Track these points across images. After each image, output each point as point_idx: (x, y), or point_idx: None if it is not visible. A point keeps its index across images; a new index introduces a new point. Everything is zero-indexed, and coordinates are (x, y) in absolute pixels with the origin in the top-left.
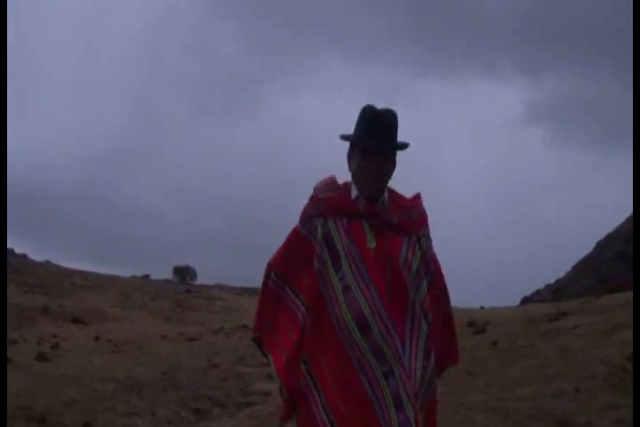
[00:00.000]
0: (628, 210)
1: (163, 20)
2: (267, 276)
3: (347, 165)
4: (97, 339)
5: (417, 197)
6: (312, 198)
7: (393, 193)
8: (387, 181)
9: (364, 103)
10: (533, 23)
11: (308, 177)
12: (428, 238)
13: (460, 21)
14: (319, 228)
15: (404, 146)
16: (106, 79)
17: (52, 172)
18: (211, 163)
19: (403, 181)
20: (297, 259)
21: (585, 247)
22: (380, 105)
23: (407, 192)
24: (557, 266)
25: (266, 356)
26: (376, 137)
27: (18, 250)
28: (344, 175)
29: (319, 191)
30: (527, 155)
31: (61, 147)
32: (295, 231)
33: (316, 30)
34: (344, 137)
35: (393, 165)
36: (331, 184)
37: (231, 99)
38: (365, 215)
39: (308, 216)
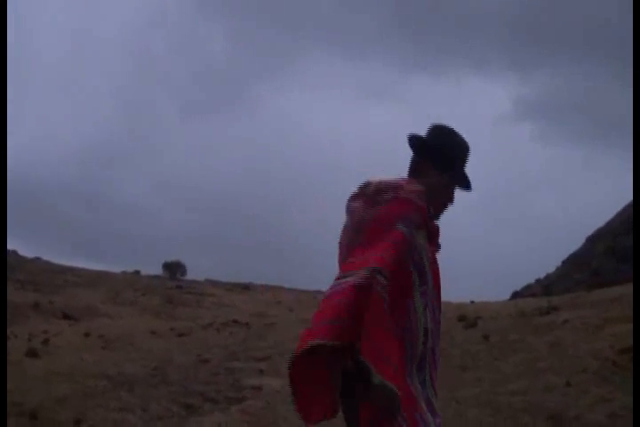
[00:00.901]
0: (617, 205)
1: (152, 19)
2: (371, 277)
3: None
4: (87, 335)
5: None
6: (411, 203)
7: None
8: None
9: (353, 100)
10: (523, 20)
11: (298, 174)
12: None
13: (449, 18)
14: (417, 237)
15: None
16: (97, 77)
17: (42, 168)
18: (201, 160)
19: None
20: (404, 264)
21: (575, 242)
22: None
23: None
24: (548, 261)
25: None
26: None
27: (8, 246)
28: (339, 172)
29: (414, 197)
30: (516, 151)
31: (52, 143)
32: (402, 235)
33: (305, 28)
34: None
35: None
36: (420, 192)
37: (221, 97)
38: (435, 235)
39: (410, 222)
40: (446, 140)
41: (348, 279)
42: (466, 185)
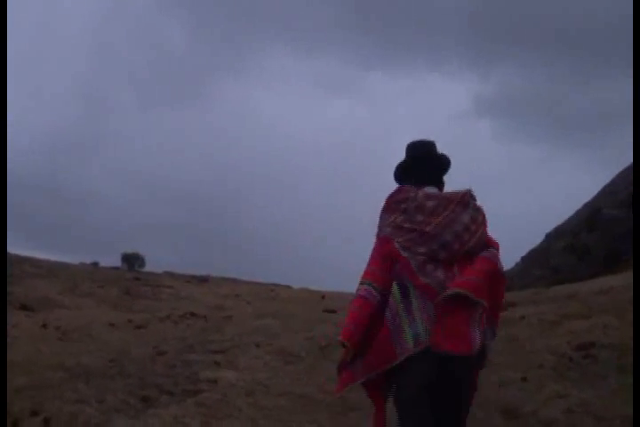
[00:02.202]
0: (576, 202)
1: (111, 11)
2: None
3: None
4: (45, 326)
5: None
6: None
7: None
8: None
9: (311, 95)
10: (482, 17)
11: (255, 165)
12: None
13: (407, 14)
14: None
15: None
16: (56, 68)
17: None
18: (160, 151)
19: (353, 175)
20: None
21: (534, 239)
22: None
23: (359, 186)
24: (507, 257)
25: None
26: None
27: None
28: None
29: None
30: (475, 148)
31: (12, 135)
32: None
33: (263, 22)
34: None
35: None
36: None
37: (180, 88)
38: None
39: None
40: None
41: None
42: None
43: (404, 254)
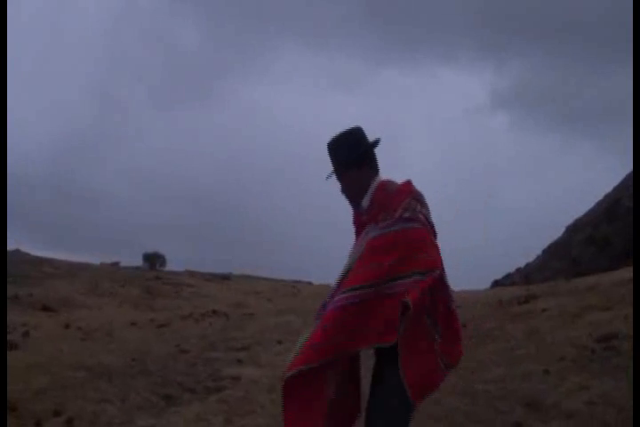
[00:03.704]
0: (596, 194)
1: (124, 12)
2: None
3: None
4: (67, 327)
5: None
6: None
7: (377, 193)
8: (353, 197)
9: (324, 92)
10: (494, 9)
11: (270, 163)
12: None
13: (419, 8)
14: None
15: (335, 171)
16: (69, 69)
17: (20, 161)
18: (177, 150)
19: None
20: None
21: (555, 232)
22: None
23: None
24: (528, 250)
25: None
26: None
27: None
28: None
29: None
30: (493, 140)
31: (28, 136)
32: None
33: (275, 20)
34: None
35: (348, 181)
36: None
37: (192, 87)
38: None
39: None
40: None
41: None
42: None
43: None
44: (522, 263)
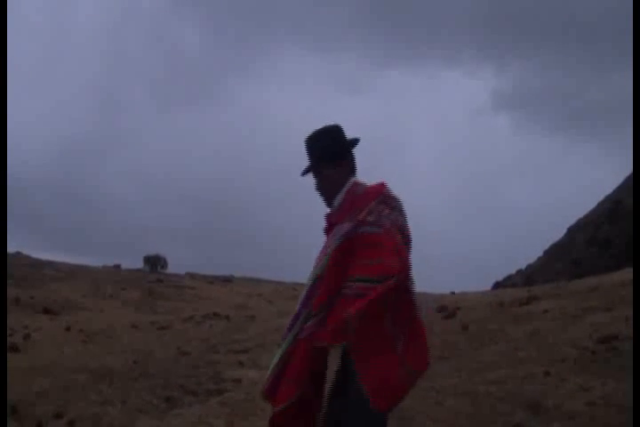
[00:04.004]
0: (596, 196)
1: (126, 13)
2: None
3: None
4: (68, 329)
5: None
6: None
7: (348, 194)
8: (327, 194)
9: (327, 94)
10: (496, 11)
11: (274, 165)
12: (354, 226)
13: (420, 11)
14: None
15: (311, 167)
16: (72, 72)
17: (20, 163)
18: (178, 152)
19: (372, 173)
20: None
21: (556, 233)
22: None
23: (375, 182)
24: (529, 251)
25: None
26: None
27: None
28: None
29: None
30: (494, 142)
31: (30, 139)
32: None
33: (277, 22)
34: None
35: (323, 179)
36: None
37: (195, 89)
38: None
39: None
40: None
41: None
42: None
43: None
44: (523, 265)
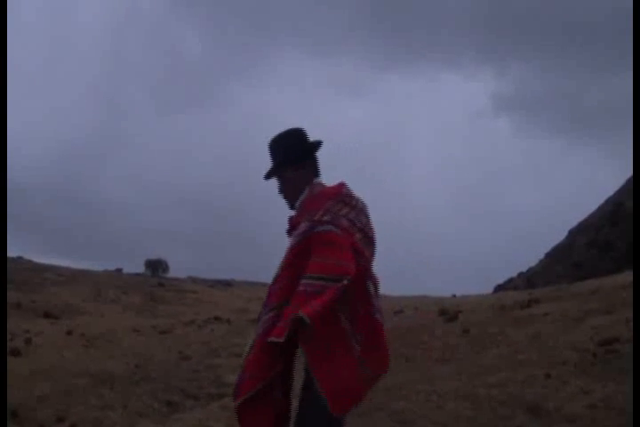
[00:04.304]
0: (598, 198)
1: (126, 18)
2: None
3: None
4: (69, 333)
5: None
6: None
7: (309, 195)
8: (289, 197)
9: (327, 97)
10: (495, 13)
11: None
12: (307, 228)
13: (420, 13)
14: None
15: (273, 170)
16: (73, 76)
17: (21, 167)
18: (178, 156)
19: (371, 176)
20: None
21: (557, 236)
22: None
23: (377, 188)
24: (530, 254)
25: None
26: None
27: None
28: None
29: None
30: (495, 145)
31: (30, 143)
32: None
33: (277, 26)
34: None
35: (286, 181)
36: None
37: (195, 93)
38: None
39: None
40: None
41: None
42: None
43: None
44: (524, 267)
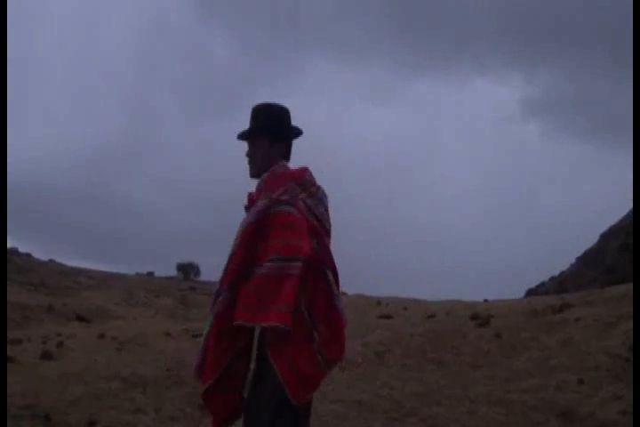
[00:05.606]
0: (628, 201)
1: (154, 26)
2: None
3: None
4: (101, 337)
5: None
6: None
7: (272, 173)
8: (254, 164)
9: (356, 105)
10: (523, 17)
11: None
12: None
13: (447, 19)
14: None
15: (250, 132)
16: (103, 82)
17: (54, 171)
18: (209, 162)
19: (402, 183)
20: None
21: (589, 239)
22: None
23: (408, 193)
24: (562, 258)
25: None
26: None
27: (22, 249)
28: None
29: None
30: (525, 149)
31: (62, 147)
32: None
33: (306, 33)
34: None
35: (257, 147)
36: None
37: (224, 101)
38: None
39: None
40: None
41: None
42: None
43: (315, 244)
44: (556, 272)
